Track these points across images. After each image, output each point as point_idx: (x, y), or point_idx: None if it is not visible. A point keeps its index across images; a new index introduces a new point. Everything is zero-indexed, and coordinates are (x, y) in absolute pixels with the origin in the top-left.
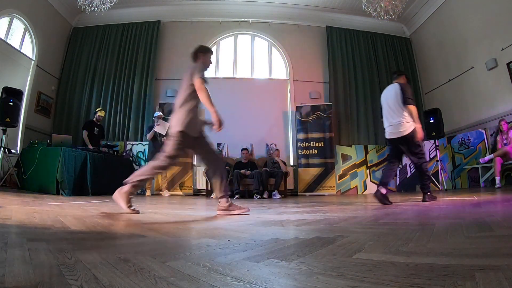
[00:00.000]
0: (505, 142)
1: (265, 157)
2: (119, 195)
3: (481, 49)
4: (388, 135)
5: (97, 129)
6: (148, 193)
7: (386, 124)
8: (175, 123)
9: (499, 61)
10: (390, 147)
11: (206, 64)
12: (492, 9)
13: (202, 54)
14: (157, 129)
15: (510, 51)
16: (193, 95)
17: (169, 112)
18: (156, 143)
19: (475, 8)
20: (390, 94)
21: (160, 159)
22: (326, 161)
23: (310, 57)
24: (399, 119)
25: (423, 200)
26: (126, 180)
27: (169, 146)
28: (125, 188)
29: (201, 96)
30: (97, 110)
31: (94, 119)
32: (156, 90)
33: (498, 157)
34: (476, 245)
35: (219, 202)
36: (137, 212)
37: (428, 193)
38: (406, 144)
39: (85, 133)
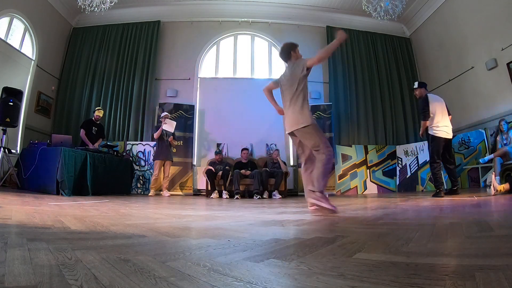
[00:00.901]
0: (505, 142)
1: (265, 157)
2: (320, 199)
3: (481, 49)
4: (446, 135)
5: (95, 128)
6: (152, 192)
7: (441, 124)
8: (302, 119)
9: (499, 61)
10: (442, 145)
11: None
12: (492, 9)
13: (293, 51)
14: (165, 127)
15: (510, 51)
16: (304, 88)
17: (170, 111)
18: (162, 142)
19: (475, 8)
20: (443, 103)
21: (323, 155)
22: None
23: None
24: (450, 125)
25: (455, 193)
26: (315, 188)
27: (315, 137)
28: (318, 193)
29: (324, 52)
30: (95, 109)
31: (93, 118)
32: (156, 90)
33: (498, 157)
34: (476, 245)
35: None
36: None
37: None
38: (450, 144)
39: (82, 132)
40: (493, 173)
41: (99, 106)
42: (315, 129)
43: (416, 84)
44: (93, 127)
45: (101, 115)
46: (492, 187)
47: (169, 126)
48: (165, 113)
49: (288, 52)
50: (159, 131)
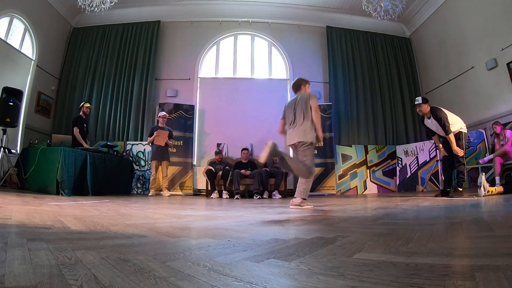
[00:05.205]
0: (502, 143)
1: None
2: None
3: (481, 49)
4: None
5: (85, 125)
6: (151, 192)
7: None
8: (307, 136)
9: (499, 61)
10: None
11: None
12: (492, 9)
13: (303, 86)
14: (156, 141)
15: (510, 51)
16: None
17: (170, 111)
18: (157, 145)
19: (475, 8)
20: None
21: (307, 167)
22: (326, 161)
23: (310, 57)
24: None
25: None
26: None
27: (309, 155)
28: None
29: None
30: (84, 104)
31: (81, 113)
32: (156, 90)
33: (498, 157)
34: (476, 245)
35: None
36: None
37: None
38: None
39: (76, 130)
40: (483, 173)
41: (99, 107)
42: (311, 147)
43: (420, 100)
44: (84, 124)
45: (90, 107)
46: (482, 188)
47: (160, 139)
48: (163, 112)
49: (299, 85)
50: (149, 141)
